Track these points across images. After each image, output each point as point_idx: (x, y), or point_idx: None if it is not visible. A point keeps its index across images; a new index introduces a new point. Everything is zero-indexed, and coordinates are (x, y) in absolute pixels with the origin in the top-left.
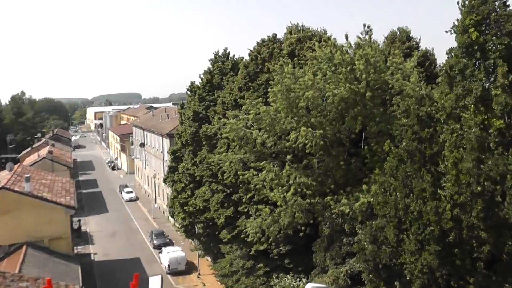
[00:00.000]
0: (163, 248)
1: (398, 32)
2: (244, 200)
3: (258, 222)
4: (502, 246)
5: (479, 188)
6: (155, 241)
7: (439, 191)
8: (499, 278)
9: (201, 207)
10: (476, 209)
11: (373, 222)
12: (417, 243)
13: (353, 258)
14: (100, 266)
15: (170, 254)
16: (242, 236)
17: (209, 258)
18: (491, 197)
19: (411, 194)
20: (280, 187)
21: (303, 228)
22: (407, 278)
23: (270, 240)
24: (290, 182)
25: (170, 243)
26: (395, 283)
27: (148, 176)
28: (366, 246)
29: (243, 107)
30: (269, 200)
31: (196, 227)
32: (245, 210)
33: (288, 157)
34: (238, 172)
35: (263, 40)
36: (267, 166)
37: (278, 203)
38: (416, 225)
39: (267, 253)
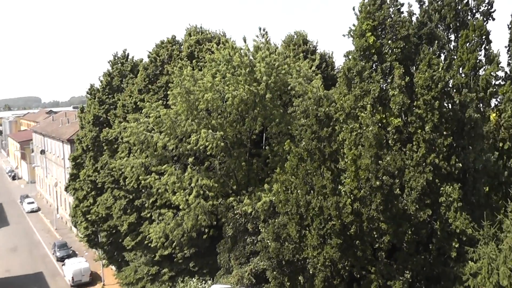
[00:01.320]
0: (66, 260)
1: (295, 36)
2: (147, 205)
3: (161, 227)
4: (401, 236)
5: (377, 183)
6: (58, 253)
7: (339, 187)
8: (399, 266)
9: (103, 215)
10: (375, 202)
11: (276, 220)
12: (319, 238)
13: (257, 256)
14: (0, 285)
15: (73, 266)
16: (146, 242)
17: (113, 267)
18: (389, 190)
19: (312, 191)
20: (182, 190)
21: (206, 230)
22: (310, 272)
23: (174, 244)
24: (192, 184)
25: (73, 254)
26: (299, 278)
27: (49, 185)
28: (269, 244)
29: (144, 110)
30: (172, 204)
31: (99, 235)
32: (148, 215)
33: (190, 159)
34: (140, 177)
35: (162, 42)
36: (168, 169)
37: (181, 207)
38: (317, 220)
39: (171, 258)
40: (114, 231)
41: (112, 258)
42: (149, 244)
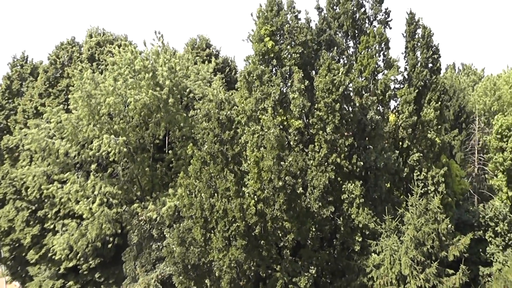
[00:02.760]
0: None
1: (198, 40)
2: (50, 215)
3: (65, 238)
4: (306, 233)
5: (280, 183)
6: None
7: (243, 189)
8: (304, 262)
9: (6, 228)
10: (278, 202)
11: (181, 225)
12: (224, 240)
13: (163, 262)
14: None
15: None
16: (50, 254)
17: (17, 283)
18: (292, 190)
19: (216, 194)
20: (85, 199)
21: (111, 239)
22: (217, 275)
23: (79, 255)
24: (96, 192)
25: None
26: (205, 281)
27: None
28: (175, 249)
29: (44, 115)
30: (76, 213)
31: (1, 250)
32: (52, 226)
33: (93, 166)
34: (42, 186)
35: (62, 43)
36: (71, 177)
37: (85, 216)
38: (222, 223)
39: (76, 270)
40: (17, 245)
41: (16, 274)
42: (54, 257)
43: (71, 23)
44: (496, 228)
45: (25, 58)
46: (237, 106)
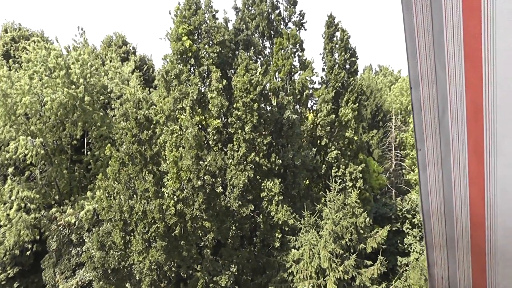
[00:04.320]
0: None
1: (114, 37)
2: None
3: None
4: (226, 232)
5: (199, 183)
6: None
7: (162, 190)
8: (225, 261)
9: None
10: (198, 201)
11: (100, 228)
12: (144, 242)
13: (83, 268)
14: None
15: None
16: None
17: None
18: (211, 189)
19: (135, 196)
20: (3, 204)
21: (30, 246)
22: (137, 278)
23: None
24: (13, 197)
25: None
26: (126, 285)
27: None
28: (94, 253)
29: None
30: None
31: None
32: None
33: (10, 170)
34: None
35: None
36: None
37: (2, 222)
38: (141, 225)
39: None
40: None
41: None
42: None
43: None
44: (413, 220)
45: None
46: (156, 106)
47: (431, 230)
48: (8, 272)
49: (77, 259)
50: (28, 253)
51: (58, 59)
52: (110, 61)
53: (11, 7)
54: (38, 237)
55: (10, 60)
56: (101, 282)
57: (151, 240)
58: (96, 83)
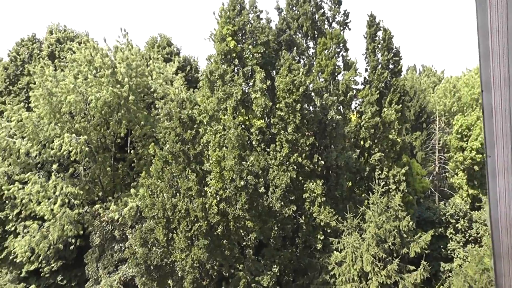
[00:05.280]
0: None
1: (159, 38)
2: (11, 217)
3: (26, 240)
4: (268, 232)
5: (242, 183)
6: None
7: (205, 188)
8: (267, 261)
9: None
10: (240, 201)
11: (143, 225)
12: (187, 240)
13: (125, 264)
14: None
15: None
16: (11, 257)
17: None
18: (254, 189)
19: (178, 194)
20: (47, 200)
21: (73, 240)
22: (179, 275)
23: (41, 258)
24: (57, 193)
25: None
26: (168, 281)
27: None
28: (137, 249)
29: (5, 113)
30: (37, 215)
31: None
32: (13, 228)
33: (54, 166)
34: (3, 187)
35: (22, 40)
36: (32, 177)
37: (46, 217)
38: (184, 223)
39: (38, 273)
40: None
41: None
42: (15, 260)
43: (32, 19)
44: (456, 225)
45: None
46: (199, 106)
47: (499, 240)
48: (52, 265)
49: (120, 254)
50: (71, 247)
51: (105, 59)
52: (154, 62)
53: (57, 9)
54: (82, 232)
55: (56, 61)
56: (143, 278)
57: (194, 238)
58: (140, 83)
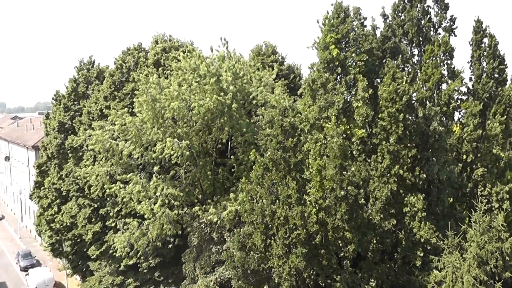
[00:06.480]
0: (30, 270)
1: (264, 46)
2: (111, 214)
3: (126, 236)
4: (366, 245)
5: (342, 193)
6: (21, 263)
7: (304, 197)
8: (364, 274)
9: (68, 224)
10: (340, 212)
11: (241, 229)
12: (284, 247)
13: (222, 266)
14: None
15: (37, 276)
16: (110, 251)
17: (78, 277)
18: (354, 200)
19: (277, 201)
20: (147, 199)
21: (172, 239)
22: (276, 282)
23: (139, 253)
24: (158, 193)
25: (37, 264)
26: (264, 287)
27: (14, 193)
28: (235, 253)
29: (109, 117)
30: (137, 213)
31: (63, 245)
32: (113, 224)
33: (155, 168)
34: (105, 186)
35: (128, 49)
36: (134, 178)
37: (146, 216)
38: (283, 230)
39: (136, 267)
40: (78, 240)
41: (77, 268)
42: (114, 254)
43: (138, 30)
44: None
45: (92, 62)
46: (300, 114)
47: None
48: (150, 261)
49: (217, 256)
50: (169, 246)
51: (210, 67)
52: (257, 70)
53: (162, 19)
54: (180, 232)
55: (160, 69)
56: (240, 282)
57: (291, 246)
58: (243, 91)
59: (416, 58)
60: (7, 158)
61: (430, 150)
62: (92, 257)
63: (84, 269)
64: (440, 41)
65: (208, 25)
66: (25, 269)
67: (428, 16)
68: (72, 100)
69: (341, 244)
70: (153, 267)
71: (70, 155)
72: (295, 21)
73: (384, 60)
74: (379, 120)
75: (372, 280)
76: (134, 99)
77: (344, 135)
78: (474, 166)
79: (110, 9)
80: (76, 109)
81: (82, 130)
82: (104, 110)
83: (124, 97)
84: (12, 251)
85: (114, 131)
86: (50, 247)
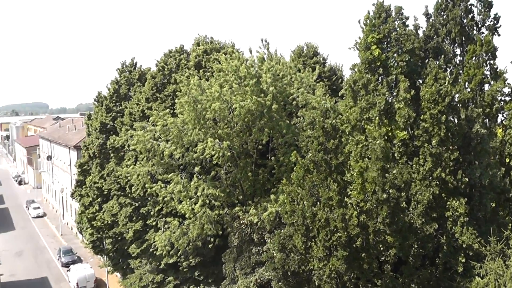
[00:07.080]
0: (71, 266)
1: (306, 47)
2: (152, 213)
3: (167, 235)
4: (408, 249)
5: (384, 196)
6: (63, 259)
7: (345, 199)
8: (405, 279)
9: (109, 222)
10: (381, 215)
11: (282, 231)
12: (325, 250)
13: (262, 267)
14: None
15: (78, 272)
16: (151, 250)
17: (118, 274)
18: (396, 203)
19: (318, 203)
20: (188, 199)
21: (212, 239)
22: (316, 284)
23: (180, 252)
24: (198, 193)
25: (78, 260)
26: None
27: (55, 191)
28: (275, 254)
29: (151, 118)
30: (178, 212)
31: (104, 242)
32: (154, 223)
33: (196, 168)
34: (146, 185)
35: (170, 51)
36: (175, 178)
37: (187, 215)
38: (323, 232)
39: (176, 266)
40: (119, 238)
41: (117, 265)
42: (155, 252)
43: (179, 32)
44: None
45: (134, 64)
46: (342, 115)
47: None
48: (190, 261)
49: (257, 257)
50: (210, 246)
51: (250, 69)
52: (298, 71)
53: (204, 21)
54: (220, 232)
55: (201, 71)
56: (280, 283)
57: (332, 249)
58: (283, 92)
59: (459, 58)
60: (49, 157)
61: (472, 153)
62: (132, 255)
63: (124, 267)
64: (483, 41)
65: (250, 26)
66: (66, 265)
67: (471, 14)
68: (114, 101)
69: (382, 248)
70: (193, 266)
71: (111, 155)
72: (337, 22)
73: (427, 60)
74: (421, 121)
75: (413, 286)
76: (176, 101)
77: (386, 137)
78: None
79: (152, 12)
80: (117, 110)
81: (124, 131)
82: (145, 111)
83: (165, 99)
84: (54, 248)
85: (155, 132)
86: (91, 244)
